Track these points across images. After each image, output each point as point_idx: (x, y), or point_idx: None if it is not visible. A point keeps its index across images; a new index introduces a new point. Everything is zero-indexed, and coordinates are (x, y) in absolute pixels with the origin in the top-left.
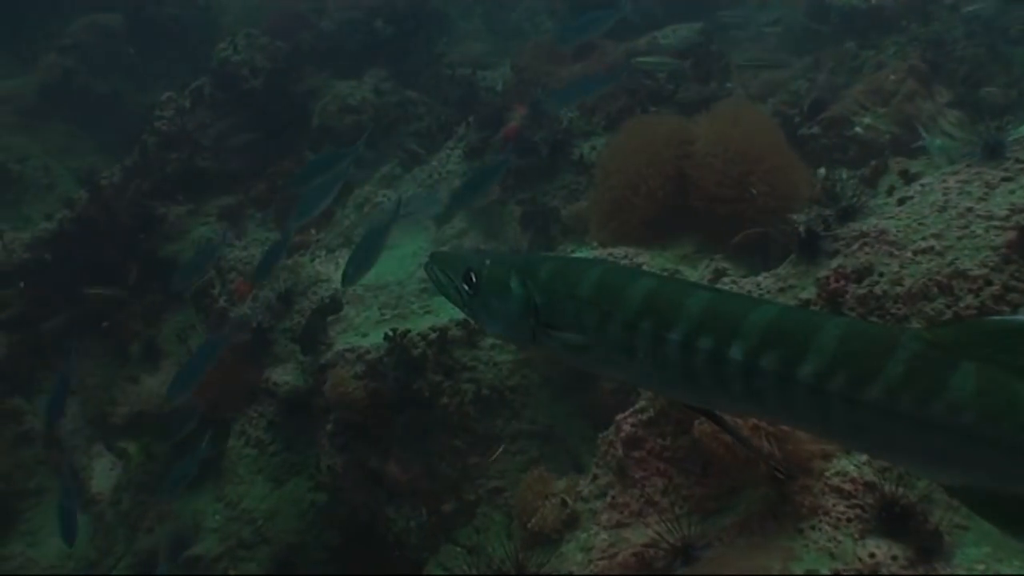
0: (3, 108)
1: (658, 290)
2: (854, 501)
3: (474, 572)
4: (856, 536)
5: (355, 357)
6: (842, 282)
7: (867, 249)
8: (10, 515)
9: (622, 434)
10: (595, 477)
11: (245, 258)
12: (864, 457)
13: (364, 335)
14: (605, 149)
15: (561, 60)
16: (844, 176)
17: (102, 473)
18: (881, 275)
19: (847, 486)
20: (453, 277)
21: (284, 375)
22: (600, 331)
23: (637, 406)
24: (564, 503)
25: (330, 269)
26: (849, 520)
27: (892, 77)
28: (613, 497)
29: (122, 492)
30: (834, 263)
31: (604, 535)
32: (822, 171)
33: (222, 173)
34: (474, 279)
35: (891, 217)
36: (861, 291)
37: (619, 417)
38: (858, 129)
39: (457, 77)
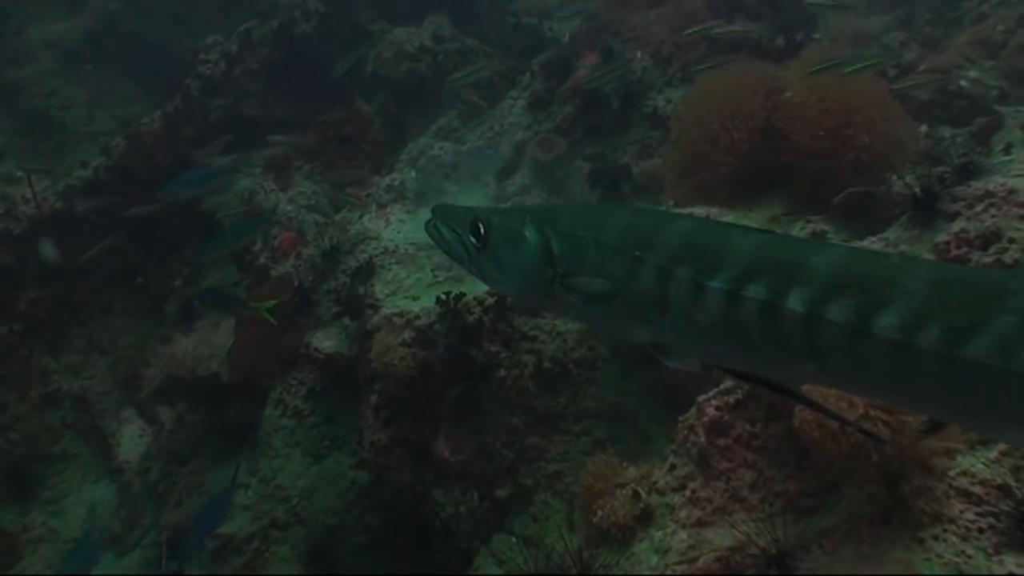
0: (48, 53)
1: (698, 231)
2: (986, 508)
3: (532, 570)
4: (989, 551)
5: (404, 323)
6: (964, 248)
7: (994, 211)
8: (33, 481)
9: (705, 418)
10: (672, 467)
11: (290, 212)
12: (995, 453)
13: (415, 298)
14: (684, 99)
15: (635, 7)
16: (948, 134)
17: (131, 439)
18: (1012, 241)
19: (976, 489)
20: (458, 230)
21: (326, 340)
22: (630, 280)
23: (722, 386)
24: (636, 495)
25: (379, 226)
26: (980, 530)
27: (1000, 27)
28: (693, 491)
29: (151, 461)
30: (954, 227)
31: (683, 535)
32: (924, 128)
33: (269, 121)
34: (483, 230)
35: (1021, 175)
36: (987, 259)
37: (701, 399)
38: (963, 83)
39: (522, 26)
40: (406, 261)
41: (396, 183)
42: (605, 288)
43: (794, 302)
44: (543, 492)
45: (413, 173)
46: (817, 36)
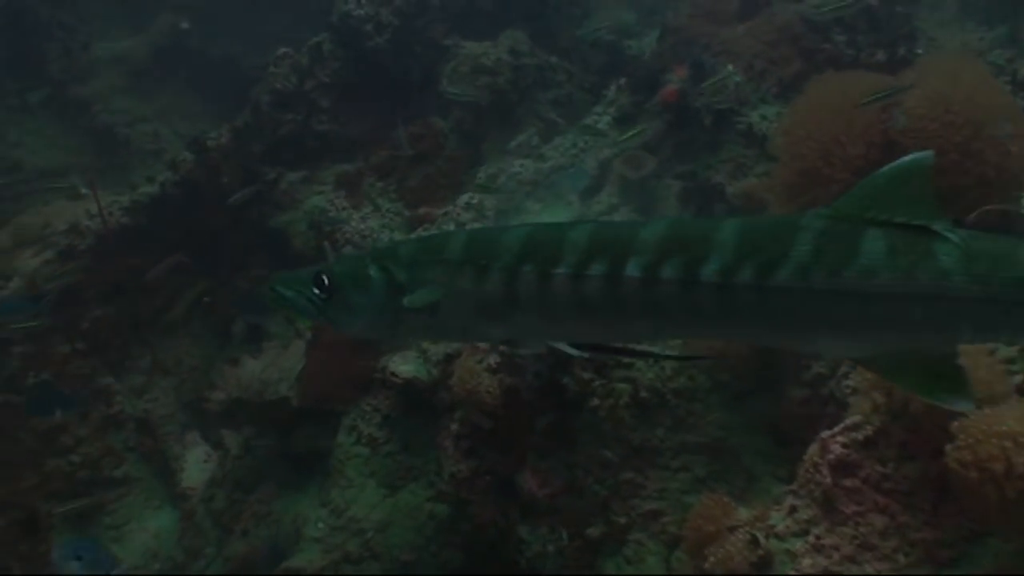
0: (114, 70)
1: (535, 232)
2: None
3: None
4: None
5: (489, 347)
6: None
7: None
8: (95, 506)
9: (830, 456)
10: (792, 509)
11: (363, 231)
12: None
13: None
14: (790, 110)
15: (723, 20)
16: None
17: (195, 465)
18: None
19: None
20: (300, 288)
21: (404, 364)
22: (477, 286)
23: (849, 421)
24: (754, 540)
25: None
26: None
27: None
28: (818, 537)
29: (216, 488)
30: None
31: None
32: None
33: (340, 137)
34: (326, 281)
35: None
36: None
37: (826, 435)
38: None
39: (600, 43)
40: None
41: (475, 201)
42: (436, 296)
43: (632, 270)
44: (638, 532)
45: (492, 191)
46: (919, 51)
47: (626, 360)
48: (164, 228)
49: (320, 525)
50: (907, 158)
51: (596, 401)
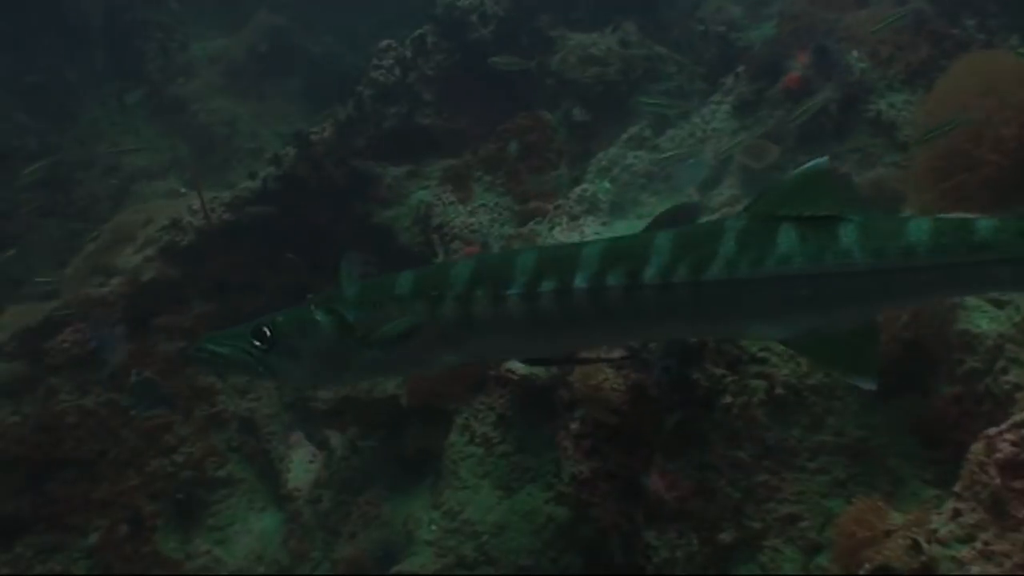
0: (211, 69)
1: (483, 261)
2: None
3: None
4: None
5: None
6: None
7: None
8: (198, 508)
9: (998, 455)
10: (956, 512)
11: (472, 225)
12: None
13: None
14: (931, 93)
15: (844, 6)
16: None
17: (300, 465)
18: None
19: None
20: (237, 342)
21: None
22: (432, 316)
23: (1018, 418)
24: (916, 545)
25: (574, 239)
26: None
27: None
28: (986, 543)
29: (322, 489)
30: None
31: None
32: None
33: (444, 131)
34: (267, 332)
35: None
36: None
37: (991, 432)
38: None
39: (710, 34)
40: None
41: (588, 194)
42: (408, 324)
43: (580, 282)
44: (774, 537)
45: (607, 184)
46: None
47: (758, 354)
48: (266, 224)
49: (433, 528)
50: (809, 163)
51: (728, 398)
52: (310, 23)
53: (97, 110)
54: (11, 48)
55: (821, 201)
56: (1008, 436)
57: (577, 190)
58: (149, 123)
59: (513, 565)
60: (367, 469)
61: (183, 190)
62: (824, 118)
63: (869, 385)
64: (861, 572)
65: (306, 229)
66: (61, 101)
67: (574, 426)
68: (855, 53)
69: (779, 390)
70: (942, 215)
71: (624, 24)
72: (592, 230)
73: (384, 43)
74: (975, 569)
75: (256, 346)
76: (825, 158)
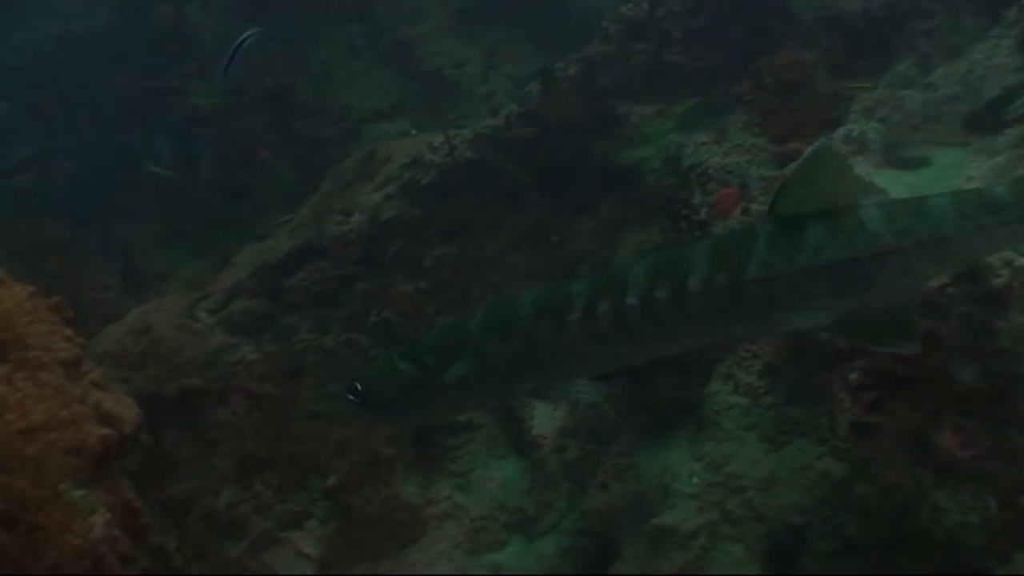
0: (441, 10)
1: (541, 296)
2: None
3: None
4: None
5: None
6: None
7: None
8: (439, 452)
9: None
10: None
11: (728, 166)
12: None
13: None
14: None
15: None
16: None
17: (544, 412)
18: None
19: None
20: (334, 402)
21: None
22: (503, 350)
23: None
24: None
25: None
26: None
27: None
28: None
29: (568, 438)
30: None
31: None
32: None
33: (694, 70)
34: (359, 387)
35: None
36: None
37: None
38: None
39: None
40: None
41: (854, 134)
42: (467, 368)
43: (631, 299)
44: None
45: (875, 123)
46: None
47: None
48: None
49: (694, 480)
50: (809, 151)
51: None
52: None
53: (327, 51)
54: None
55: (838, 183)
56: None
57: (842, 131)
58: (379, 64)
59: (783, 523)
60: (616, 418)
61: (413, 131)
62: None
63: (914, 348)
64: None
65: (550, 168)
66: (296, 41)
67: (853, 377)
68: None
69: None
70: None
71: None
72: (864, 171)
73: None
74: None
75: (352, 400)
76: (826, 139)
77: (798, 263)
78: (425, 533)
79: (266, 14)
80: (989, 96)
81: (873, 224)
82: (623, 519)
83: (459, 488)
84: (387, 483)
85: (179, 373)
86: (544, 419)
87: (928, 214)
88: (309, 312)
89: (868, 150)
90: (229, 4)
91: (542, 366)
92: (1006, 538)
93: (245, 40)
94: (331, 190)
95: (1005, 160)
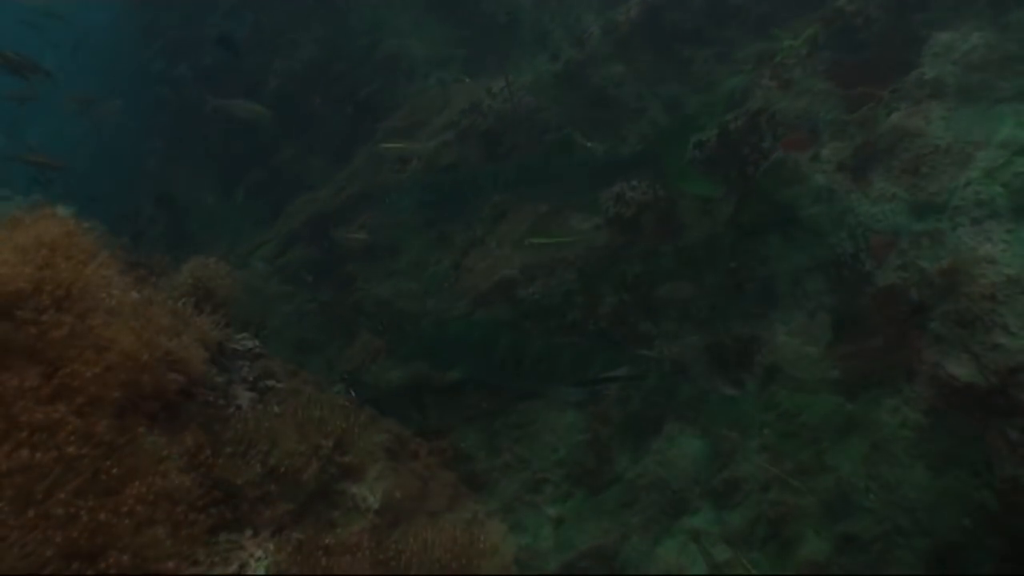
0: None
1: None
2: None
3: None
4: None
5: None
6: None
7: None
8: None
9: None
10: None
11: (795, 110)
12: None
13: None
14: None
15: None
16: None
17: None
18: None
19: None
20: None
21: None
22: None
23: None
24: None
25: (916, 124)
26: None
27: None
28: None
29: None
30: None
31: None
32: None
33: (757, 13)
34: None
35: None
36: None
37: None
38: None
39: None
40: None
41: (927, 77)
42: None
43: None
44: None
45: (949, 67)
46: None
47: None
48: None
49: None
50: None
51: None
52: None
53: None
54: None
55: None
56: None
57: (914, 75)
58: (430, 12)
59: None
60: None
61: (467, 79)
62: None
63: None
64: None
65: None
66: None
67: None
68: None
69: None
70: None
71: None
72: (938, 114)
73: None
74: None
75: None
76: None
77: None
78: (485, 486)
79: None
80: None
81: None
82: None
83: (518, 440)
84: None
85: None
86: None
87: None
88: (364, 260)
89: (943, 94)
90: None
91: None
92: None
93: None
94: (385, 137)
95: None
